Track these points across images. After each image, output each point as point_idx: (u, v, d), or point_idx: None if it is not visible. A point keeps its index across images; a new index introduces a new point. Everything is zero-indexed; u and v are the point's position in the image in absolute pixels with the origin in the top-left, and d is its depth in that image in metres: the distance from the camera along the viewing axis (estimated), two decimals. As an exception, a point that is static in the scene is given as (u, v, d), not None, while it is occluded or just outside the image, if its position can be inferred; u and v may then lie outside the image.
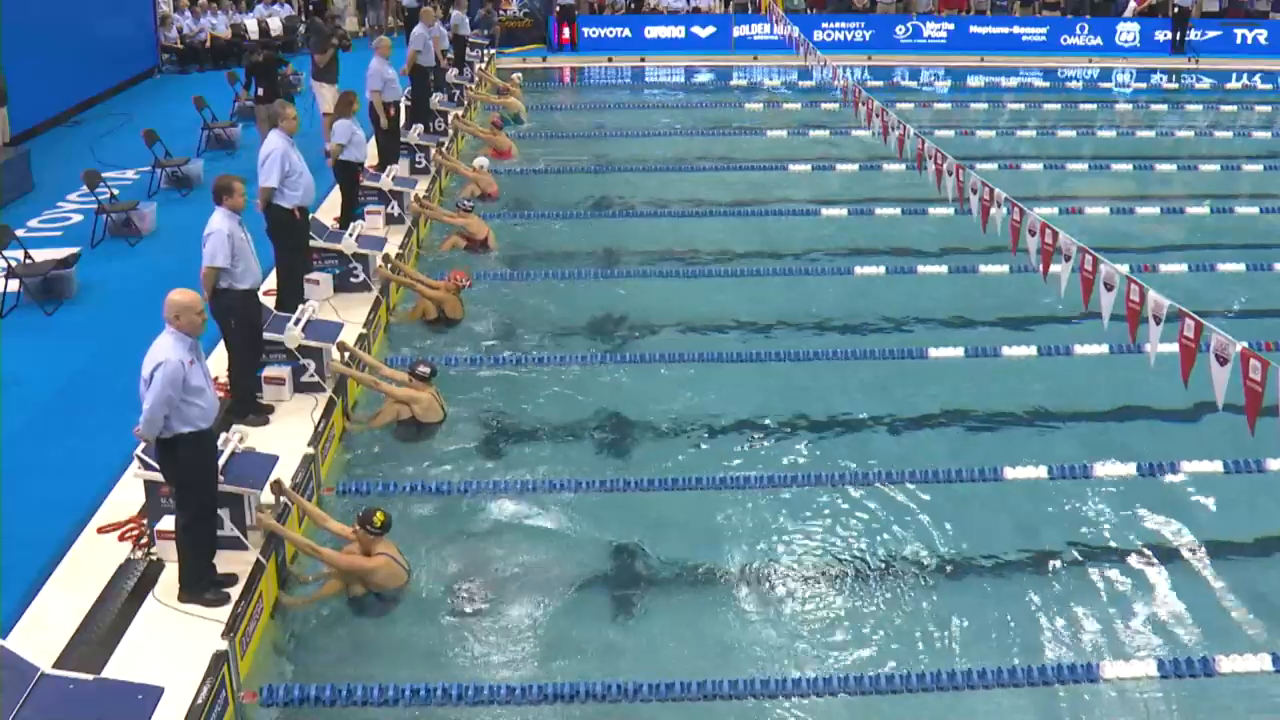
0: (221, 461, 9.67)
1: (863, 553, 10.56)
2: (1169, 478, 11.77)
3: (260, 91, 20.87)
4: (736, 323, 15.35)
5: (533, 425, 12.74)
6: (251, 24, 33.72)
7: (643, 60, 35.41)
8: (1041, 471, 11.72)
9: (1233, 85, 33.05)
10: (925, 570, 10.36)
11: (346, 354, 12.80)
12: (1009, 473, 11.68)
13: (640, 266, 17.26)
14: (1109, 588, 10.13)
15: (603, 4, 38.72)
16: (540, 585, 10.07)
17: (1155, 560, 10.52)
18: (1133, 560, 10.52)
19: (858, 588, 10.10)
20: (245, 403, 12.02)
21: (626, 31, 36.80)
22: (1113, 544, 10.76)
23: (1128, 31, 36.73)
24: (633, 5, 38.58)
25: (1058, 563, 10.47)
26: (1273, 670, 9.01)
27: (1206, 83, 33.06)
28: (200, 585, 9.22)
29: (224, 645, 8.48)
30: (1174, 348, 9.95)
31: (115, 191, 18.71)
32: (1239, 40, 36.61)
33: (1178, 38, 36.04)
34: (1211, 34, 36.50)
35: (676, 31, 36.85)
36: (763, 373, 13.99)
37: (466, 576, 10.16)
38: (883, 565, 10.40)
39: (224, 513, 9.63)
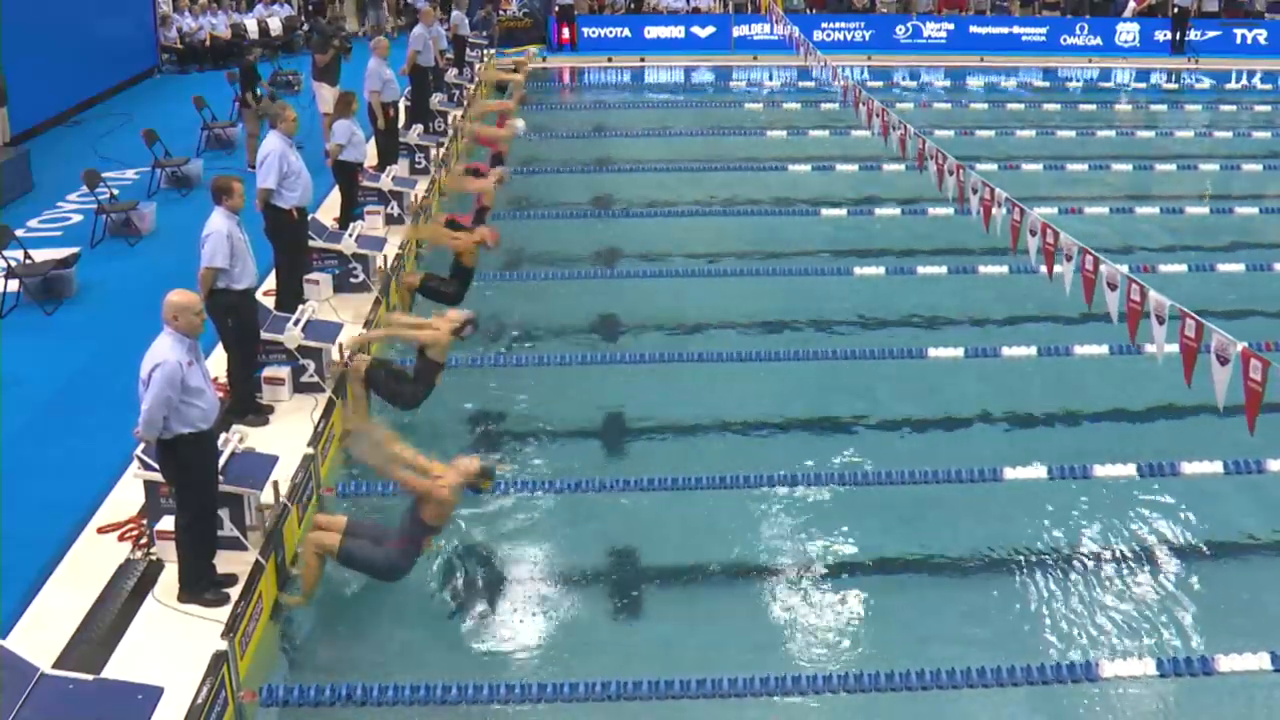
0: (221, 462, 9.66)
1: (861, 552, 10.56)
2: (1169, 478, 11.75)
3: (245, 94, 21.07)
4: (735, 323, 15.36)
5: (531, 425, 12.74)
6: (251, 24, 33.72)
7: (642, 60, 35.38)
8: (1041, 472, 11.71)
9: (1232, 85, 33.07)
10: (925, 569, 10.37)
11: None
12: (1008, 473, 11.66)
13: (639, 266, 17.25)
14: (1108, 587, 10.14)
15: (602, 4, 38.72)
16: (540, 584, 10.10)
17: (1155, 560, 10.54)
18: (1132, 560, 10.52)
19: (856, 587, 10.09)
20: (244, 403, 12.02)
21: (626, 31, 36.79)
22: (1112, 544, 10.77)
23: (1127, 31, 36.73)
24: (632, 5, 38.58)
25: (1057, 563, 10.47)
26: (1271, 669, 9.00)
27: (1206, 83, 33.07)
28: (200, 585, 9.22)
29: (224, 645, 8.47)
30: (1175, 348, 9.98)
31: (115, 191, 18.70)
32: (1238, 40, 36.60)
33: (1177, 38, 36.05)
34: (1211, 34, 36.49)
35: (676, 31, 36.85)
36: (762, 373, 13.99)
37: (466, 576, 10.16)
38: (882, 564, 10.40)
39: (224, 513, 9.63)
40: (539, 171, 22.25)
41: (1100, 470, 11.76)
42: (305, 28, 35.27)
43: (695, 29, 36.88)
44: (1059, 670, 8.98)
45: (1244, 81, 33.68)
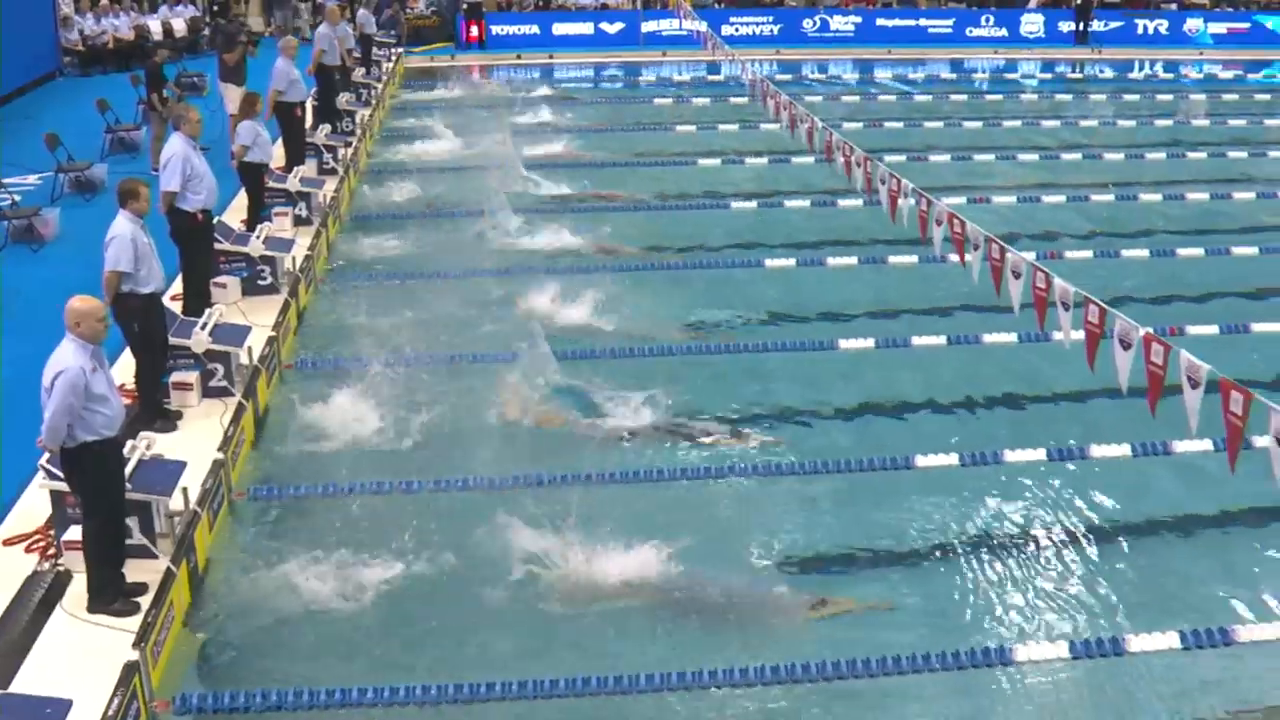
0: (128, 469, 9.52)
1: (774, 543, 10.56)
2: (1078, 461, 11.92)
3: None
4: (645, 318, 15.34)
5: (453, 425, 12.62)
6: (155, 25, 33.25)
7: (551, 57, 35.35)
8: (952, 459, 11.82)
9: (1135, 75, 33.66)
10: (837, 560, 10.42)
11: None
12: (920, 460, 11.76)
13: (551, 264, 17.17)
14: (1020, 572, 10.24)
15: (510, 1, 38.63)
16: (468, 583, 9.93)
17: (1064, 543, 10.67)
18: (1042, 544, 10.65)
19: (773, 579, 10.10)
20: (152, 409, 11.86)
21: (535, 29, 36.82)
22: (1023, 528, 10.89)
23: (1032, 23, 37.32)
24: (541, 2, 38.53)
25: (969, 549, 10.56)
26: (1180, 648, 9.15)
27: (1109, 73, 33.59)
28: (109, 595, 9.08)
29: (135, 655, 8.35)
30: (1080, 334, 10.12)
31: (17, 197, 18.39)
32: (1140, 30, 37.31)
33: (1080, 28, 36.65)
34: (1113, 24, 37.17)
35: (585, 28, 36.92)
36: (676, 366, 13.99)
37: (382, 578, 10.02)
38: (795, 555, 10.43)
39: (132, 521, 9.49)
40: (449, 170, 22.12)
41: (1010, 455, 11.90)
42: (209, 29, 34.86)
43: (604, 25, 36.97)
44: (974, 655, 9.05)
45: (1146, 71, 34.32)
